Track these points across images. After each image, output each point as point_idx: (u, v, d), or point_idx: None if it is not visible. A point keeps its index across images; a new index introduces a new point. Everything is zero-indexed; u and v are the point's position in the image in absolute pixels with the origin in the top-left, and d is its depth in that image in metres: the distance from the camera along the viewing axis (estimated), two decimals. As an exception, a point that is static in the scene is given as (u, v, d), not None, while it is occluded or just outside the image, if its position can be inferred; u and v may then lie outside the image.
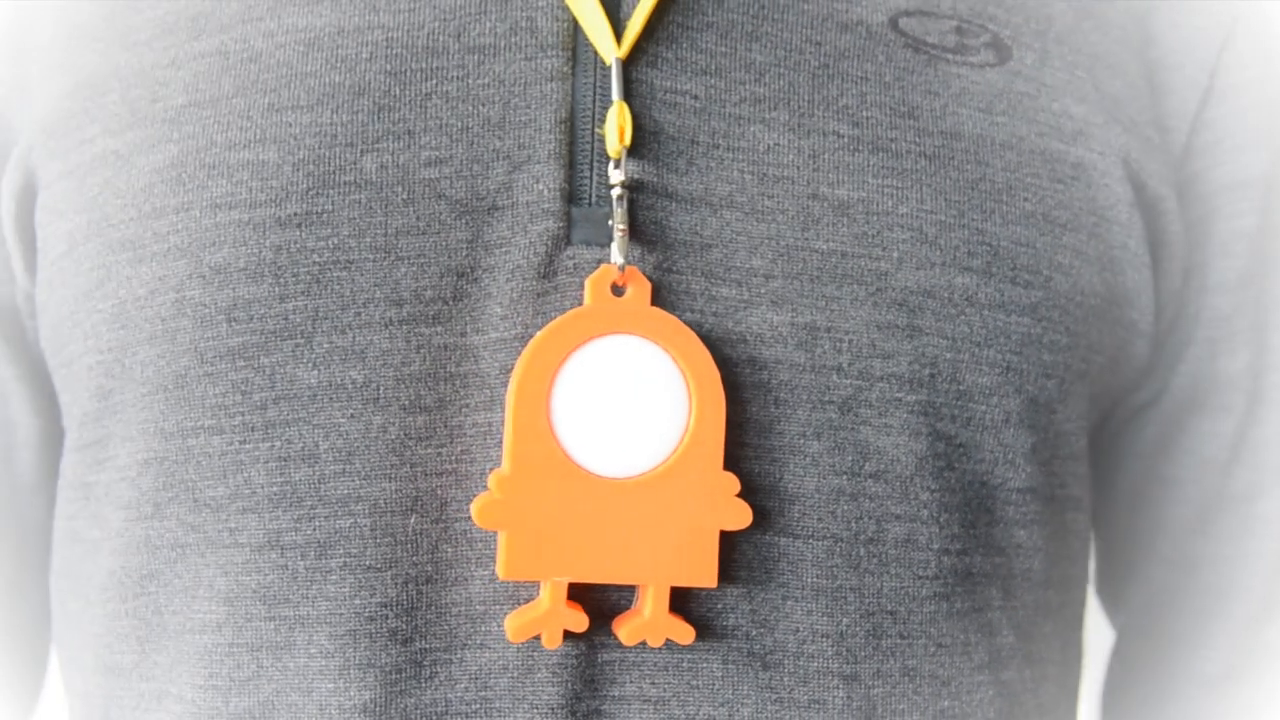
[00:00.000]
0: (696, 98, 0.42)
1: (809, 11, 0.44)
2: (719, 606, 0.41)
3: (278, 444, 0.40)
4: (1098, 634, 0.59)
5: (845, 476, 0.41)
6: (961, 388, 0.42)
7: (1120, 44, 0.48)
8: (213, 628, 0.41)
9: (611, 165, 0.41)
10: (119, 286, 0.42)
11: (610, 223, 0.41)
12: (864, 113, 0.43)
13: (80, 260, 0.43)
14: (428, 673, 0.40)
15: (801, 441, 0.41)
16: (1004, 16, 0.46)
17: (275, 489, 0.40)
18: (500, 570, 0.39)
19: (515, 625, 0.39)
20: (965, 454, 0.43)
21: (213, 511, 0.41)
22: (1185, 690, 0.53)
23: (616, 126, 0.40)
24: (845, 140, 0.42)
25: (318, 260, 0.40)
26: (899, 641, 0.42)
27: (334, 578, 0.40)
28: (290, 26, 0.43)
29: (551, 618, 0.39)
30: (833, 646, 0.41)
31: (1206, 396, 0.51)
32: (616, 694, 0.40)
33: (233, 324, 0.41)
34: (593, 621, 0.40)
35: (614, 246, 0.40)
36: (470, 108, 0.41)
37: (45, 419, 0.50)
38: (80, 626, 0.46)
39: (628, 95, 0.42)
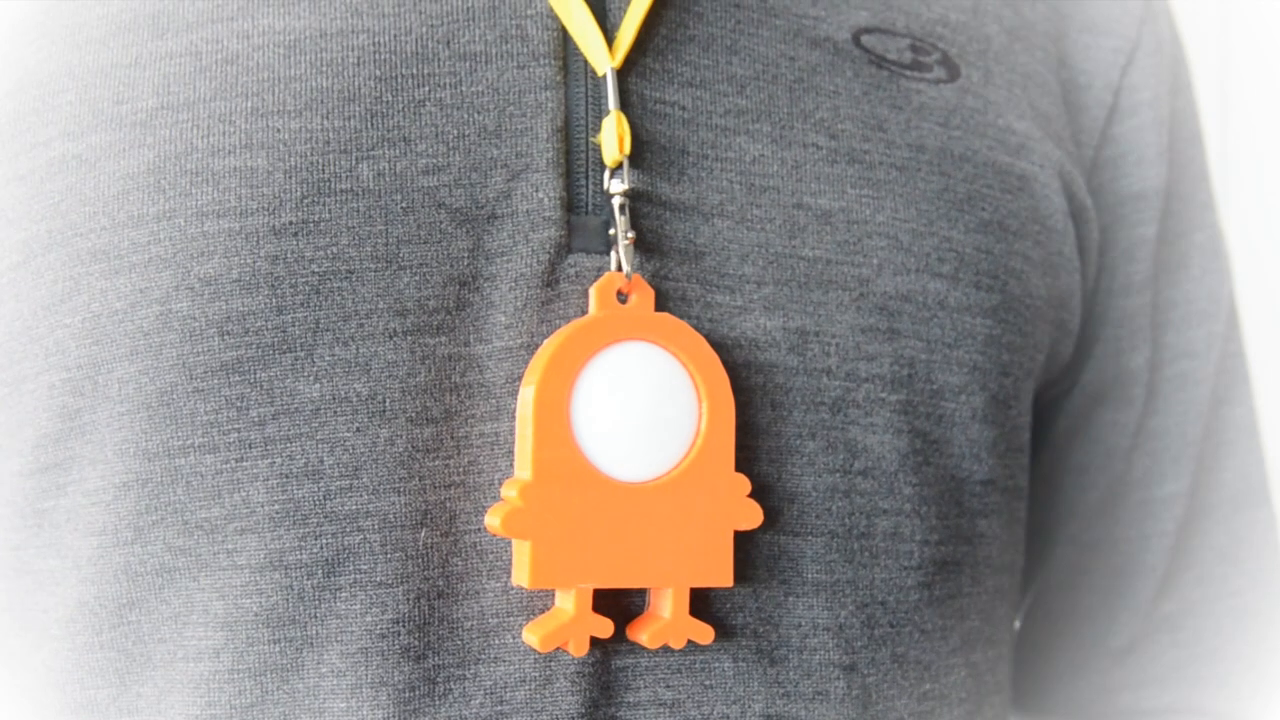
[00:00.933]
0: (684, 109, 0.43)
1: (780, 27, 0.45)
2: (728, 606, 0.42)
3: (278, 460, 0.39)
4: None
5: (838, 474, 0.43)
6: (934, 387, 0.45)
7: (1043, 65, 0.52)
8: (209, 654, 0.39)
9: (607, 174, 0.41)
10: (91, 299, 0.40)
11: (611, 231, 0.41)
12: (839, 125, 0.45)
13: (39, 272, 0.41)
14: (442, 689, 0.39)
15: (798, 442, 0.42)
16: (950, 36, 0.49)
17: (277, 507, 0.39)
18: (527, 580, 0.38)
19: (542, 635, 0.39)
20: (938, 449, 0.45)
21: (206, 533, 0.39)
22: (1093, 663, 0.58)
23: (616, 135, 0.41)
24: (824, 152, 0.44)
25: (317, 270, 0.39)
26: (889, 630, 0.44)
27: (343, 595, 0.39)
28: (266, 28, 0.41)
29: (578, 625, 0.39)
30: (833, 639, 0.43)
31: (1112, 390, 0.56)
32: (632, 699, 0.41)
33: (225, 337, 0.39)
34: (613, 625, 0.40)
35: (620, 254, 0.40)
36: (465, 115, 0.41)
37: None
38: (33, 665, 0.43)
39: (622, 105, 0.42)
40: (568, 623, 0.39)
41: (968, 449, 0.46)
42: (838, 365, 0.43)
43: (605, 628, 0.39)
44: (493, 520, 0.39)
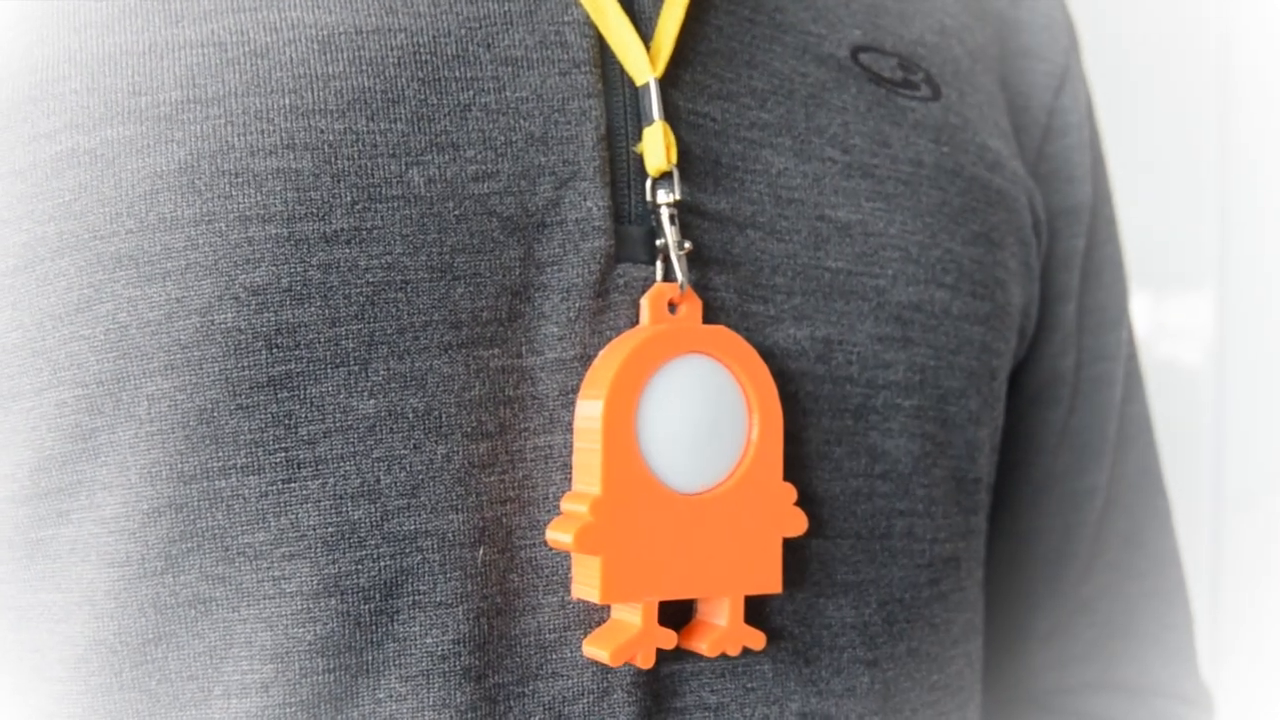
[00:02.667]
0: (715, 120, 0.43)
1: (790, 43, 0.46)
2: (769, 609, 0.42)
3: (331, 480, 0.37)
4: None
5: (861, 478, 0.44)
6: (941, 392, 0.47)
7: (996, 86, 0.55)
8: (256, 689, 0.37)
9: (650, 184, 0.41)
10: (116, 308, 0.36)
11: (659, 241, 0.41)
12: (850, 140, 0.46)
13: (47, 278, 0.37)
14: (502, 708, 0.38)
15: (825, 448, 0.44)
16: (929, 56, 0.51)
17: (331, 529, 0.37)
18: (598, 595, 0.38)
19: (613, 650, 0.38)
20: (944, 451, 0.47)
21: (249, 560, 0.37)
22: (1020, 646, 0.62)
23: (663, 145, 0.41)
24: (839, 166, 0.45)
25: (371, 280, 0.37)
26: (905, 626, 0.46)
27: (401, 618, 0.37)
28: (295, 21, 0.39)
29: (646, 638, 0.39)
30: (859, 636, 0.44)
31: (1044, 390, 0.60)
32: (679, 705, 0.41)
33: (274, 351, 0.37)
34: (676, 636, 0.40)
35: (675, 265, 0.40)
36: (511, 121, 0.40)
37: None
38: (29, 708, 0.39)
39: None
40: (635, 636, 0.38)
41: (966, 450, 0.48)
42: (859, 373, 0.44)
43: (669, 639, 0.39)
44: (561, 536, 0.38)
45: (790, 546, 0.43)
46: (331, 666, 0.37)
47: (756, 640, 0.41)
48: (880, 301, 0.45)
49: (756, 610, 0.42)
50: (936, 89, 0.50)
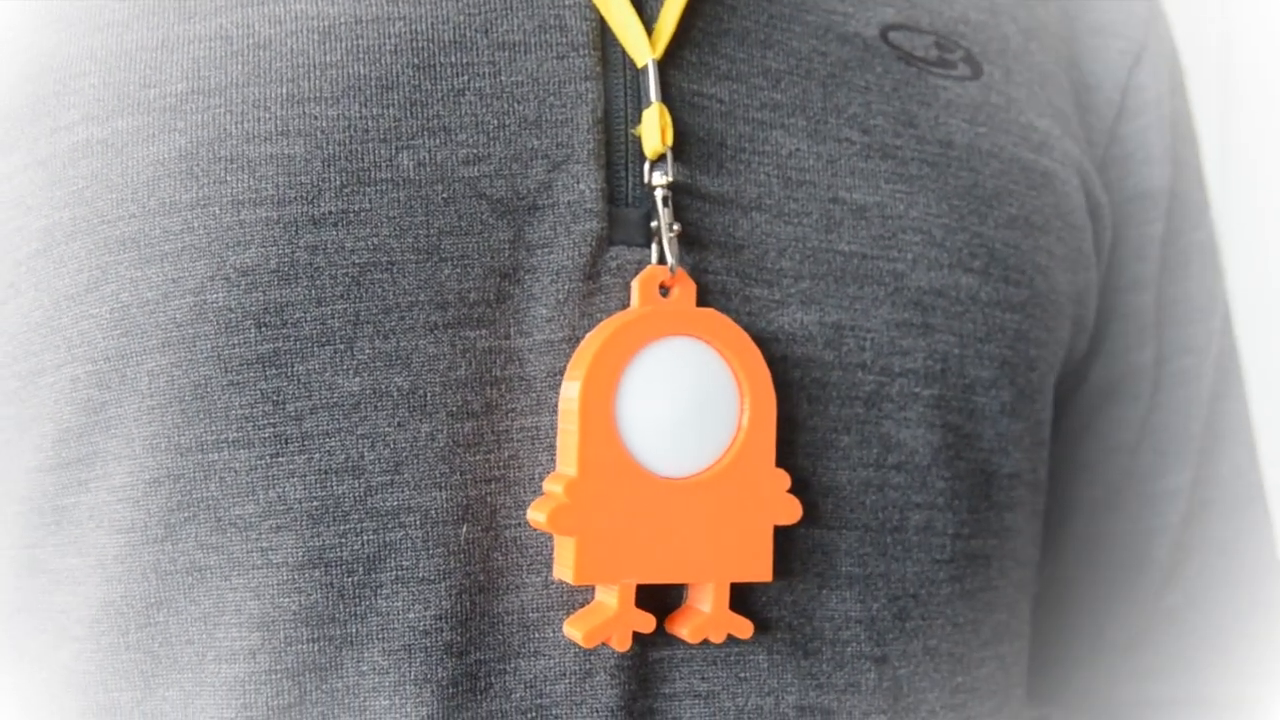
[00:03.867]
0: (721, 101, 0.43)
1: (812, 22, 0.45)
2: (763, 599, 0.41)
3: (316, 456, 0.38)
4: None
5: (872, 469, 0.43)
6: (966, 381, 0.45)
7: (1057, 65, 0.53)
8: (245, 655, 0.38)
9: (648, 166, 0.41)
10: (120, 289, 0.39)
11: (653, 224, 0.41)
12: (871, 120, 0.45)
13: (62, 260, 0.39)
14: (483, 684, 0.39)
15: (833, 436, 0.42)
16: (972, 34, 0.49)
17: (315, 504, 0.38)
18: (571, 576, 0.38)
19: (585, 631, 0.38)
20: (969, 443, 0.45)
21: (239, 531, 0.38)
22: (1096, 657, 0.58)
23: (658, 127, 0.41)
24: (857, 147, 0.44)
25: (357, 262, 0.38)
26: (921, 623, 0.44)
27: (385, 592, 0.38)
28: (299, 13, 0.40)
29: (622, 620, 0.38)
30: (865, 631, 0.43)
31: (1119, 386, 0.57)
32: (668, 691, 0.40)
33: (262, 329, 0.38)
34: (655, 620, 0.40)
35: (664, 247, 0.40)
36: (505, 105, 0.40)
37: None
38: (52, 666, 0.41)
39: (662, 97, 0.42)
40: (611, 618, 0.38)
41: (997, 443, 0.46)
42: (872, 360, 0.43)
43: (647, 623, 0.39)
44: (538, 516, 0.38)
45: (790, 536, 0.42)
46: (315, 637, 0.38)
47: (743, 628, 0.40)
48: (898, 286, 0.44)
49: (752, 599, 0.41)
50: (977, 67, 0.48)
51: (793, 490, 0.41)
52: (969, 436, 0.45)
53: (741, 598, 0.41)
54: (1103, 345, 0.56)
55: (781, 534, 0.42)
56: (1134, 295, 0.55)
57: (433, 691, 0.38)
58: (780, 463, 0.41)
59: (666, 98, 0.42)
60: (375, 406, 0.38)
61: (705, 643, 0.41)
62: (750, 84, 0.43)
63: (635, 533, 0.39)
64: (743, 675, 0.41)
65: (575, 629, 0.39)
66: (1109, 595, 0.58)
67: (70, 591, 0.41)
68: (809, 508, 0.42)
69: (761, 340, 0.42)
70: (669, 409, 0.39)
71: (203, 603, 0.39)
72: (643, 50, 0.41)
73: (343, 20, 0.40)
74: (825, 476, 0.42)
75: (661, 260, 0.40)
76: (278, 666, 0.38)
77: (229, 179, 0.39)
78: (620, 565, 0.38)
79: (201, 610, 0.39)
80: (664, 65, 0.42)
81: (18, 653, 0.43)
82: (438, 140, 0.40)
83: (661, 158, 0.41)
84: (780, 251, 0.42)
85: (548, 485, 0.39)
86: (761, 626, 0.41)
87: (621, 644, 0.39)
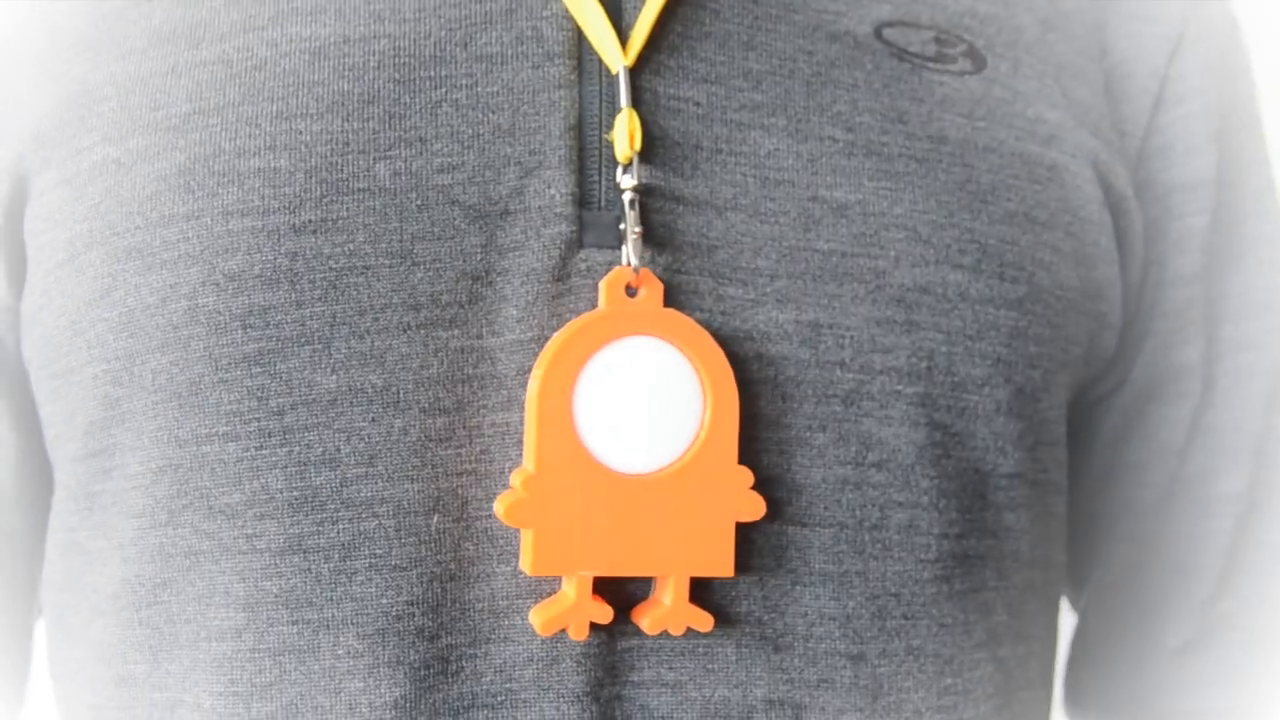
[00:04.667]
0: (699, 104, 0.44)
1: (799, 22, 0.45)
2: (733, 594, 0.42)
3: (296, 449, 0.41)
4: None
5: (850, 466, 0.43)
6: (956, 379, 0.44)
7: (1082, 54, 0.51)
8: (231, 634, 0.41)
9: (620, 170, 0.42)
10: (127, 294, 0.42)
11: (621, 226, 0.42)
12: (857, 118, 0.45)
13: (82, 269, 0.43)
14: (454, 668, 0.41)
15: (808, 434, 0.43)
16: (978, 27, 0.48)
17: (295, 494, 0.41)
18: (528, 566, 0.40)
19: (543, 620, 0.40)
20: (960, 442, 0.45)
21: (228, 518, 0.41)
22: (1148, 663, 0.56)
23: (627, 132, 0.42)
24: (840, 145, 0.44)
25: (334, 266, 0.41)
26: (903, 622, 0.44)
27: (359, 579, 0.41)
28: (294, 36, 0.43)
29: (578, 611, 0.40)
30: (840, 629, 0.43)
31: (1164, 385, 0.54)
32: (636, 679, 0.41)
33: (248, 330, 0.41)
34: (612, 611, 0.41)
35: (628, 249, 0.41)
36: (480, 115, 0.42)
37: (23, 434, 0.50)
38: (87, 639, 0.45)
39: (634, 102, 0.43)
40: (569, 608, 0.40)
41: (992, 442, 0.45)
42: (851, 358, 0.43)
43: (604, 614, 0.40)
44: (499, 508, 0.40)
45: (763, 532, 0.42)
46: (294, 619, 0.41)
47: (702, 621, 0.41)
48: (879, 284, 0.43)
49: (721, 594, 0.42)
50: (980, 61, 0.47)
51: (765, 487, 0.42)
52: (959, 435, 0.45)
53: (710, 592, 0.42)
54: (1144, 342, 0.54)
55: (753, 530, 0.42)
56: (1177, 290, 0.53)
57: (405, 673, 0.40)
58: (752, 460, 0.42)
59: (642, 103, 0.43)
60: (351, 403, 0.41)
61: (671, 635, 0.42)
62: (730, 86, 0.44)
63: (592, 527, 0.40)
64: (710, 667, 0.42)
65: (536, 617, 0.40)
66: (1159, 601, 0.56)
67: (99, 571, 0.45)
68: (781, 505, 0.42)
69: (735, 339, 0.42)
70: (628, 406, 0.40)
71: (198, 585, 0.42)
72: (615, 57, 0.43)
73: (332, 40, 0.43)
74: (798, 474, 0.43)
75: (630, 262, 0.42)
76: (260, 646, 0.41)
77: (220, 192, 0.42)
78: (575, 558, 0.40)
79: (197, 591, 0.42)
80: (641, 71, 0.43)
81: (64, 629, 0.47)
82: (414, 150, 0.42)
83: (632, 162, 0.42)
84: (756, 251, 0.43)
85: (512, 479, 0.41)
86: (730, 620, 0.42)
87: (578, 634, 0.40)
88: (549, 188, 0.42)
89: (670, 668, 0.42)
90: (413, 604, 0.41)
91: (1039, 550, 0.48)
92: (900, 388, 0.43)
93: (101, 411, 0.43)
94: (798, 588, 0.43)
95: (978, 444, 0.45)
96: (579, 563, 0.40)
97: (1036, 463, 0.47)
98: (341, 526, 0.41)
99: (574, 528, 0.40)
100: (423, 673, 0.41)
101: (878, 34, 0.46)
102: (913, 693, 0.44)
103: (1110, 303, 0.50)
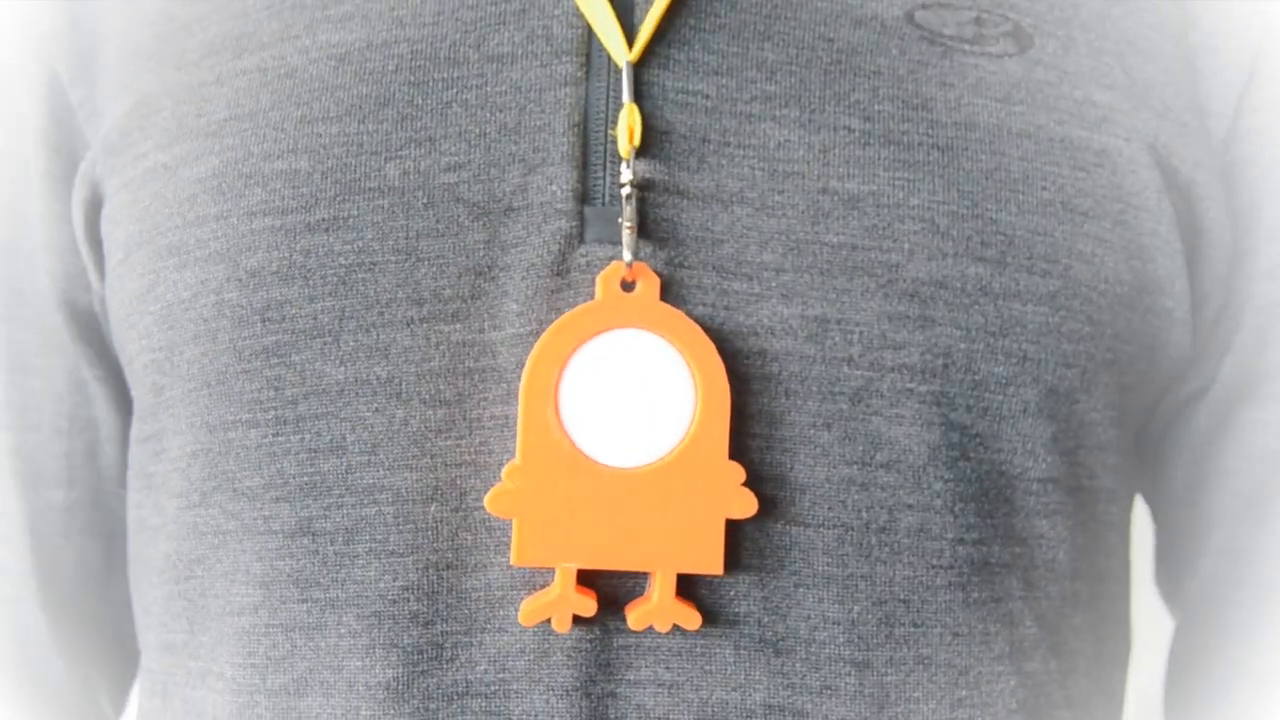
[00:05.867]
0: (708, 97, 0.43)
1: (822, 9, 0.44)
2: (731, 594, 0.41)
3: (308, 436, 0.43)
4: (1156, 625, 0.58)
5: (856, 466, 0.42)
6: (977, 377, 0.42)
7: (1154, 29, 0.48)
8: (250, 610, 0.44)
9: (624, 166, 0.42)
10: (166, 290, 0.45)
11: (620, 221, 0.42)
12: (876, 107, 0.43)
13: (134, 266, 0.46)
14: (449, 654, 0.42)
15: (812, 432, 0.42)
16: (1026, 5, 0.46)
17: (306, 479, 0.43)
18: (512, 557, 0.40)
19: (527, 610, 0.40)
20: (981, 443, 0.42)
21: (249, 500, 0.44)
22: (1236, 687, 0.52)
23: (626, 127, 0.42)
24: (856, 134, 0.43)
25: (344, 263, 0.43)
26: (912, 630, 0.42)
27: (360, 562, 0.42)
28: (324, 43, 0.45)
29: (561, 603, 0.40)
30: (844, 633, 0.42)
31: (1257, 385, 0.50)
32: (632, 678, 0.41)
33: (266, 324, 0.43)
34: (608, 607, 0.41)
35: (624, 243, 0.41)
36: (488, 114, 0.43)
37: (122, 416, 0.54)
38: (146, 608, 0.49)
39: (641, 97, 0.43)
40: (552, 600, 0.40)
41: (1019, 443, 0.43)
42: (860, 354, 0.42)
43: (588, 607, 0.40)
44: (486, 499, 0.41)
45: (766, 532, 0.41)
46: (303, 598, 0.43)
47: (689, 619, 0.40)
48: (891, 278, 0.42)
49: (720, 593, 0.41)
50: (1027, 40, 0.45)
51: (767, 485, 0.41)
52: (980, 436, 0.42)
53: (710, 591, 0.41)
54: (1233, 339, 0.50)
55: (754, 528, 0.41)
56: (1270, 284, 0.49)
57: (399, 656, 0.42)
58: (755, 457, 0.41)
59: (649, 97, 0.43)
60: (357, 393, 0.42)
61: (672, 633, 0.41)
62: (742, 78, 0.43)
63: (576, 519, 0.40)
64: (708, 668, 0.41)
65: (523, 608, 0.41)
66: (1252, 620, 0.52)
67: (153, 546, 0.48)
68: (784, 504, 0.41)
69: (739, 334, 0.42)
70: (616, 400, 0.40)
71: (225, 562, 0.45)
72: (621, 53, 0.43)
73: (357, 46, 0.45)
74: (802, 473, 0.41)
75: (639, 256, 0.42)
76: (274, 622, 0.43)
77: (246, 193, 0.44)
78: (559, 549, 0.40)
79: (224, 568, 0.45)
80: (649, 65, 0.43)
81: (136, 594, 0.51)
82: (423, 150, 0.43)
83: (638, 156, 0.42)
84: (762, 245, 0.42)
85: (503, 471, 0.41)
86: (729, 621, 0.41)
87: (560, 625, 0.40)
88: (551, 184, 0.42)
89: (667, 667, 0.41)
90: (408, 590, 0.42)
91: (1082, 561, 0.45)
92: (913, 385, 0.42)
93: (151, 398, 0.47)
94: (800, 589, 0.42)
95: (1002, 446, 0.43)
96: (563, 555, 0.40)
97: (1078, 467, 0.45)
98: (345, 511, 0.42)
99: (559, 519, 0.40)
100: (416, 657, 0.42)
101: (909, 17, 0.44)
102: (922, 704, 0.42)
103: (1175, 297, 0.46)
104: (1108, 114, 0.45)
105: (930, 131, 0.43)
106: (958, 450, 0.42)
